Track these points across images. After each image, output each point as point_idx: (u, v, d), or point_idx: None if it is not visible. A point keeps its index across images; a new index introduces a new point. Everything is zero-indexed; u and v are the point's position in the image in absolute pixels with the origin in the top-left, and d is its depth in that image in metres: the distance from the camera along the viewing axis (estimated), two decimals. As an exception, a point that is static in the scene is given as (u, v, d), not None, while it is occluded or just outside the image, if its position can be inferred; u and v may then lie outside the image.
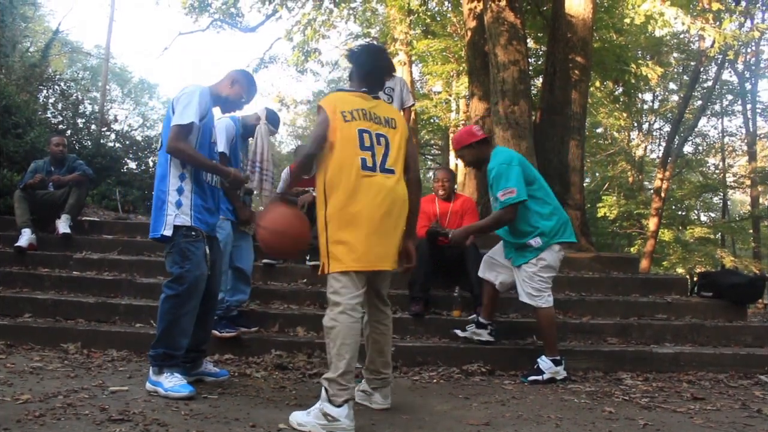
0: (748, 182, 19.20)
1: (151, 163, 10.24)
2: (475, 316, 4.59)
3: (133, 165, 10.31)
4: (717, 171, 20.87)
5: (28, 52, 14.91)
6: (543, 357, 4.05)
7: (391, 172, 3.01)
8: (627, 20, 9.21)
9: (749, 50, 16.61)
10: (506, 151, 4.17)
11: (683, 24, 7.64)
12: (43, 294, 5.20)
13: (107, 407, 2.89)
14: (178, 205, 3.30)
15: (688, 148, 20.09)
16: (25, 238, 5.90)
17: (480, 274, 4.45)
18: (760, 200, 19.94)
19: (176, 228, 3.27)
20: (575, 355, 4.40)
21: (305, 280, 5.50)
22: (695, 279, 6.07)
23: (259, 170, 4.94)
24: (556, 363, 4.03)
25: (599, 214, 17.49)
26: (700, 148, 21.22)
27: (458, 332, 4.50)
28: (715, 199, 21.95)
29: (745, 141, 19.77)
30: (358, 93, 3.14)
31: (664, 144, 18.51)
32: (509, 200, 3.91)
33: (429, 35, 14.78)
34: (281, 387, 3.62)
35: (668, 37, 15.72)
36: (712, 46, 10.22)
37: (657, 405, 3.49)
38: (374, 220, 2.91)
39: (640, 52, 14.57)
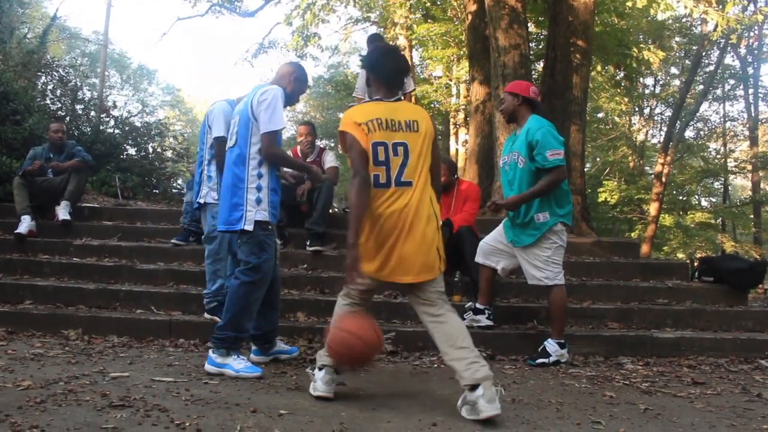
0: (749, 167, 19.17)
1: (150, 150, 10.19)
2: (471, 304, 4.59)
3: (132, 151, 10.24)
4: (718, 156, 20.82)
5: (26, 38, 14.79)
6: (550, 340, 4.10)
7: (408, 184, 2.90)
8: (629, 4, 9.12)
9: (752, 34, 16.47)
10: (547, 122, 4.12)
11: (685, 8, 7.57)
12: (44, 281, 5.21)
13: (108, 393, 2.90)
14: (258, 201, 3.47)
15: (689, 133, 20.01)
16: (25, 224, 5.89)
17: (478, 260, 4.47)
18: (761, 185, 19.89)
19: (256, 223, 3.44)
20: (576, 339, 4.40)
21: (305, 266, 5.50)
22: (696, 264, 6.08)
23: None
24: (562, 346, 4.09)
25: (600, 199, 17.47)
26: (702, 133, 21.12)
27: None
28: (716, 184, 21.91)
29: (747, 126, 19.68)
30: (372, 102, 3.05)
31: (665, 129, 18.46)
32: (557, 161, 3.93)
33: (429, 19, 14.68)
34: (282, 372, 3.63)
35: (670, 21, 15.63)
36: (714, 30, 10.11)
37: (657, 389, 3.50)
38: (380, 239, 2.89)
39: (641, 36, 14.48)
